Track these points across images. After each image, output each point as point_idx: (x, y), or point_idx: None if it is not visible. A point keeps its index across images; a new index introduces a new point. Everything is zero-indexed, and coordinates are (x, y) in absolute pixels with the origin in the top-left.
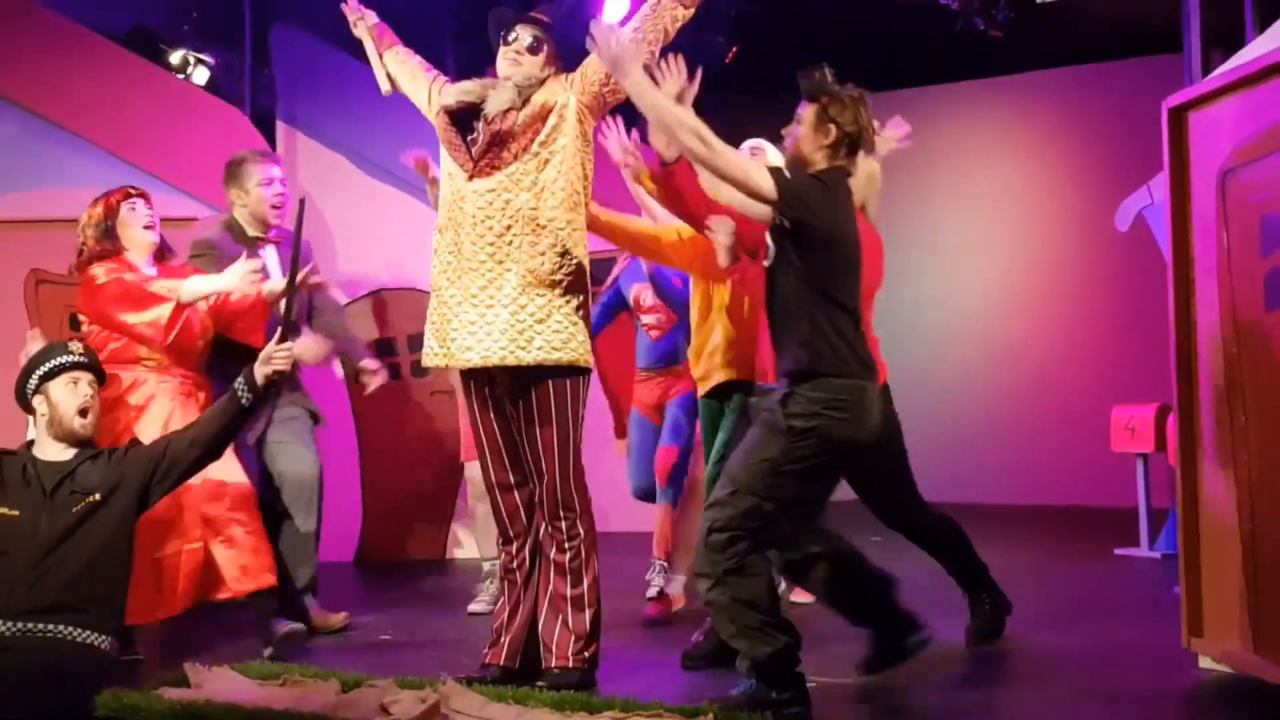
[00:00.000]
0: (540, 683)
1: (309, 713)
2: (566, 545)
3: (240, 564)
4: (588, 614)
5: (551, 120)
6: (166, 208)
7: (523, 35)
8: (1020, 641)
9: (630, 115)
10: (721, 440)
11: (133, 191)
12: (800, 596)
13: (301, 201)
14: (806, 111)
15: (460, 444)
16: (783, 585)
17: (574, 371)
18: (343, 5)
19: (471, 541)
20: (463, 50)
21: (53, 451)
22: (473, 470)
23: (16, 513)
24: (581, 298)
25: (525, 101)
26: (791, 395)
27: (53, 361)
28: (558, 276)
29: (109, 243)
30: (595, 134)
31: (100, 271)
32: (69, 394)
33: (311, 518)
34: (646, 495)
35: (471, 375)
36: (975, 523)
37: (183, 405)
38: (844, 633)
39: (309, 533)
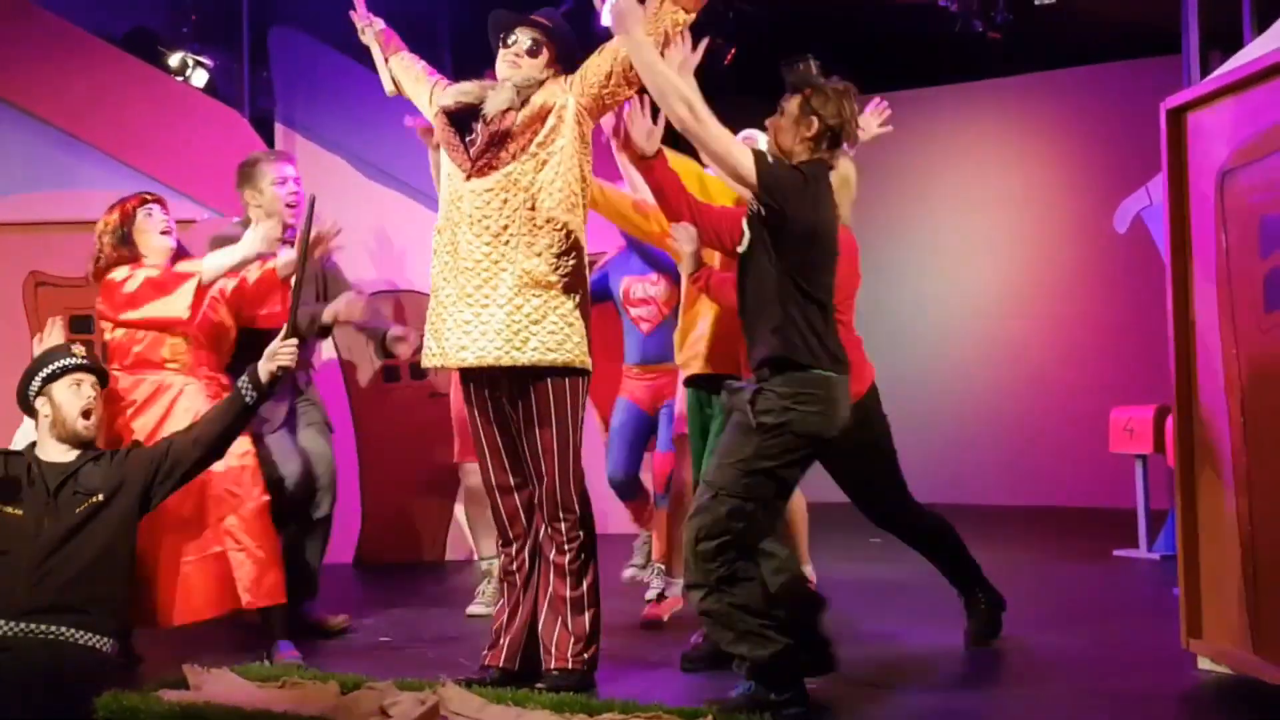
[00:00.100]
0: (540, 684)
1: (308, 715)
2: (566, 547)
3: (253, 578)
4: (587, 616)
5: (550, 121)
6: None
7: (522, 38)
8: (1020, 642)
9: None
10: (710, 447)
11: (149, 197)
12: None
13: (312, 200)
14: (789, 103)
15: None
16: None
17: (573, 373)
18: (351, 13)
19: (469, 542)
20: (462, 52)
21: (55, 453)
22: (466, 471)
23: (21, 513)
24: (579, 299)
25: (524, 102)
26: (760, 392)
27: (55, 364)
28: (554, 277)
29: (126, 249)
30: (595, 133)
31: (120, 273)
32: (72, 396)
33: (329, 499)
34: (622, 488)
35: (471, 377)
36: (974, 523)
37: (208, 406)
38: (843, 633)
39: (323, 517)
